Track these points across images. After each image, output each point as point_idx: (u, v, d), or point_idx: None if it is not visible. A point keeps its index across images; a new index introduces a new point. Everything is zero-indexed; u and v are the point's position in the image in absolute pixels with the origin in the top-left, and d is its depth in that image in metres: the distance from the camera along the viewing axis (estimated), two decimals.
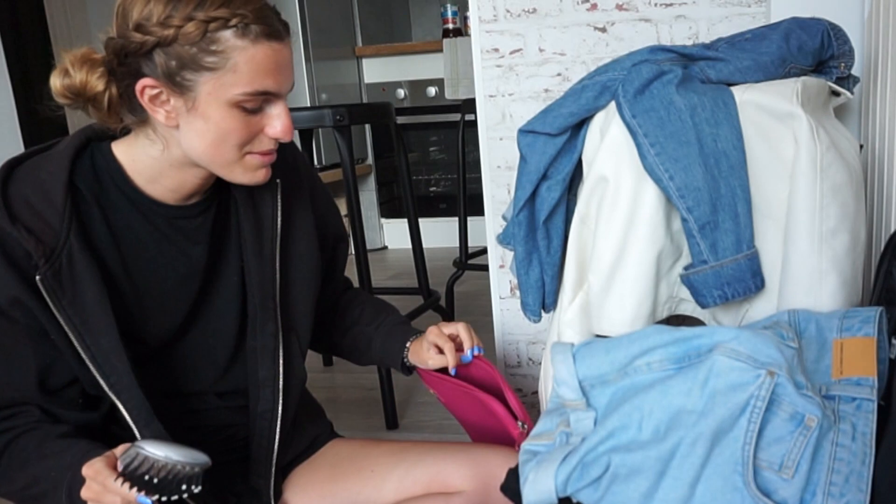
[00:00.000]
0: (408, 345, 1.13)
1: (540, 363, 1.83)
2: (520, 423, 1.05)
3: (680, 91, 0.99)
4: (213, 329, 1.02)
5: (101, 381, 0.89)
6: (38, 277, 0.85)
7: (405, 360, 1.13)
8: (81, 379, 0.92)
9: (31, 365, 0.90)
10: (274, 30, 0.85)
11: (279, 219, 1.02)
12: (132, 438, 0.90)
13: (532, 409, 1.87)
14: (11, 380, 0.90)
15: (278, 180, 1.02)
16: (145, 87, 0.85)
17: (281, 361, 1.02)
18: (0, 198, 0.86)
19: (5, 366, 0.90)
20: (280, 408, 1.03)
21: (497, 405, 1.05)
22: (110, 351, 0.89)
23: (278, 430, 1.02)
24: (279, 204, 1.02)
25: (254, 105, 0.86)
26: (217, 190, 1.00)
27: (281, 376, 1.02)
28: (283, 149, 1.05)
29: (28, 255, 0.85)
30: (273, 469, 1.03)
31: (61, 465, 0.87)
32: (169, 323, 0.98)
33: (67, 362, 0.91)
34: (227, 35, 0.82)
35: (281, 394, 1.03)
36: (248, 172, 0.92)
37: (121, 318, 0.91)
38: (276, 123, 0.89)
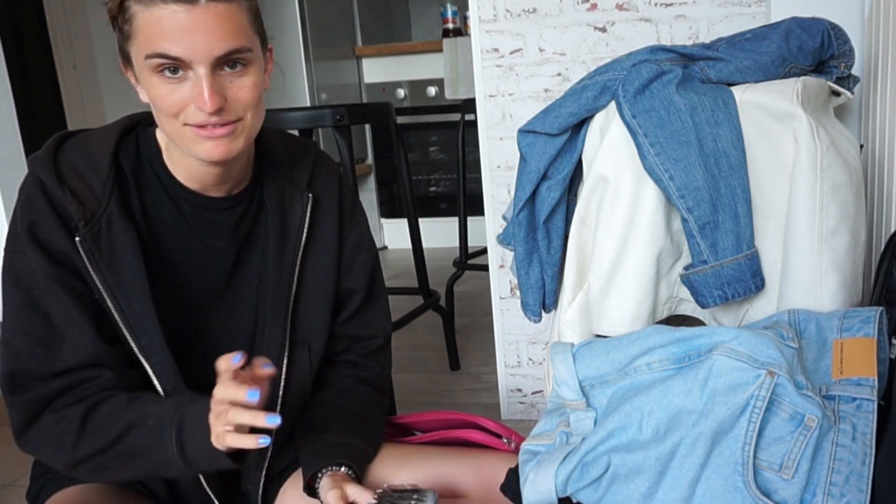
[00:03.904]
0: (323, 471, 0.99)
1: (540, 363, 1.83)
2: (505, 440, 1.05)
3: (680, 91, 0.99)
4: (227, 328, 1.03)
5: (133, 344, 0.92)
6: (77, 239, 0.89)
7: (315, 487, 1.00)
8: None
9: (85, 319, 0.91)
10: None
11: (305, 230, 1.03)
12: None
13: (533, 408, 1.87)
14: (73, 340, 0.91)
15: (310, 194, 1.04)
16: (123, 66, 0.90)
17: (283, 373, 1.01)
18: (51, 162, 0.91)
19: (68, 325, 0.90)
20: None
21: (475, 434, 1.05)
22: (143, 315, 0.92)
23: (272, 440, 1.02)
24: (307, 216, 1.04)
25: (165, 70, 0.85)
26: (252, 191, 1.02)
27: (281, 387, 1.02)
28: (328, 169, 1.09)
29: (71, 215, 0.90)
30: (262, 477, 1.03)
31: (162, 410, 0.88)
32: (180, 309, 0.99)
33: (109, 321, 0.92)
34: (131, 2, 0.84)
35: (279, 406, 1.02)
36: (197, 146, 0.90)
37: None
38: (196, 93, 0.86)
